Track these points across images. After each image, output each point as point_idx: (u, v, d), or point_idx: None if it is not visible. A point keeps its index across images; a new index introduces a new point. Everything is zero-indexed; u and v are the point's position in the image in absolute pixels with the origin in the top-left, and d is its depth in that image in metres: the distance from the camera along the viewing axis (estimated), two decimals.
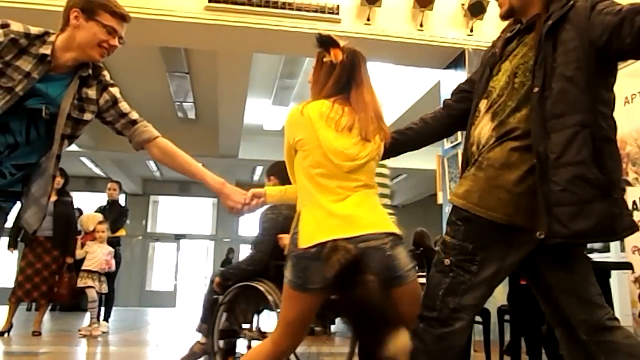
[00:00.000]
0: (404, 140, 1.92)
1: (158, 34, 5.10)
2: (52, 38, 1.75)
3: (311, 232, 1.65)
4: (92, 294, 5.32)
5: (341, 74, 1.77)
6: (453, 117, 1.89)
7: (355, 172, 1.69)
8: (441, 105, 1.96)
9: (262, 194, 1.96)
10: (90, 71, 1.83)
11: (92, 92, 1.85)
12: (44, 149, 1.81)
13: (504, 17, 1.70)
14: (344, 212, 1.64)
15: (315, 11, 4.83)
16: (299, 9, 4.79)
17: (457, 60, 5.27)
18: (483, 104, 1.64)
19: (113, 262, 5.58)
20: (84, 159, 11.36)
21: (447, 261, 1.50)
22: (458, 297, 1.47)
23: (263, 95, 8.64)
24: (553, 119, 1.45)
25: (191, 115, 9.48)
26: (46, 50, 1.72)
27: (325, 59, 1.79)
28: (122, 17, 1.81)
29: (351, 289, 1.46)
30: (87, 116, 1.85)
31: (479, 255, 1.47)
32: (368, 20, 4.93)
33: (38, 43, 1.72)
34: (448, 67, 5.46)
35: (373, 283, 1.47)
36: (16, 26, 1.69)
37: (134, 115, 1.94)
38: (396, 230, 1.70)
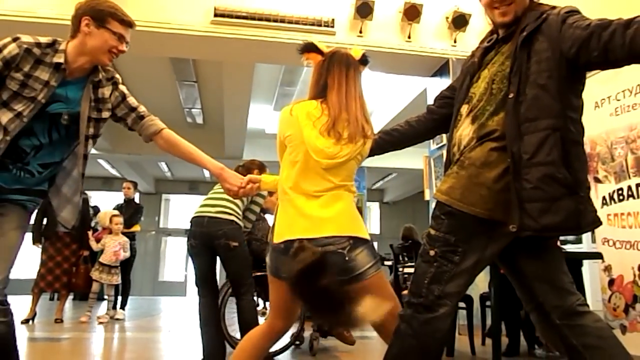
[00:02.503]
0: (389, 140, 1.92)
1: (168, 46, 5.09)
2: (62, 46, 1.73)
3: (282, 229, 1.67)
4: (94, 287, 5.42)
5: (318, 76, 1.76)
6: (436, 120, 1.88)
7: (333, 171, 1.66)
8: (426, 110, 1.96)
9: (257, 180, 1.96)
10: (101, 75, 1.83)
11: (106, 91, 1.85)
12: (66, 147, 1.81)
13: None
14: (312, 212, 1.63)
15: (312, 24, 4.82)
16: (297, 23, 4.79)
17: (442, 69, 5.27)
18: (464, 109, 1.63)
19: (121, 252, 5.49)
20: (101, 161, 11.33)
21: (432, 252, 1.50)
22: (442, 285, 1.47)
23: (265, 102, 8.62)
24: (526, 122, 1.45)
25: (199, 120, 9.46)
26: (59, 59, 1.70)
27: (305, 63, 1.80)
28: (130, 24, 1.82)
29: (314, 282, 1.47)
30: (105, 114, 1.86)
31: (461, 246, 1.47)
32: (360, 32, 4.92)
33: (51, 52, 1.70)
34: (434, 75, 5.46)
35: (332, 277, 1.50)
36: (26, 38, 1.68)
37: (142, 109, 1.94)
38: (359, 233, 1.65)
